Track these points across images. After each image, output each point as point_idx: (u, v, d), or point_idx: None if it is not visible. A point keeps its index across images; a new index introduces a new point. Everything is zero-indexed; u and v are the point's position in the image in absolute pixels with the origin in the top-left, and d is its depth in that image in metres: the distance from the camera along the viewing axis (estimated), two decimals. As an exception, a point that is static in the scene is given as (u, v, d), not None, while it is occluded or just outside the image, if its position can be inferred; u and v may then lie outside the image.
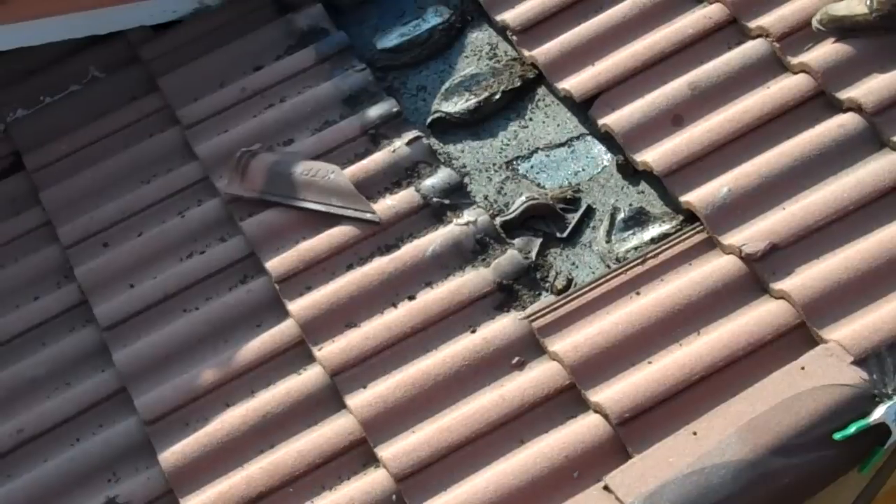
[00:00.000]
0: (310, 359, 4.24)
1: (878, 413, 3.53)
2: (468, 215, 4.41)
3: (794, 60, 4.37)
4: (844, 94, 4.22)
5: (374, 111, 4.80)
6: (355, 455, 4.00)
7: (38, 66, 5.36)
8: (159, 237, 4.69)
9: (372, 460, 3.98)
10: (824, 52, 4.33)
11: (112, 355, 4.41)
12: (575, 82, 4.62)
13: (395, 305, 4.27)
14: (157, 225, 4.74)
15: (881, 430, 3.54)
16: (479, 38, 5.02)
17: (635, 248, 4.20)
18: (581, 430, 3.81)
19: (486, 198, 4.52)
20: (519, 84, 4.79)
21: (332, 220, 4.51)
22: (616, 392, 3.80)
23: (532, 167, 4.58)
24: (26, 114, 5.25)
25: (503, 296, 4.20)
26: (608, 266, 4.21)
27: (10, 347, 4.58)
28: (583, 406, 3.89)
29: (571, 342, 3.96)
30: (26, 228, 4.92)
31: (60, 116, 5.20)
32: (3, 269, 4.81)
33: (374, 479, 3.92)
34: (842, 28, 4.31)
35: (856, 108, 4.19)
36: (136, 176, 4.93)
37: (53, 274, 4.76)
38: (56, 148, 5.10)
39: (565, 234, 4.35)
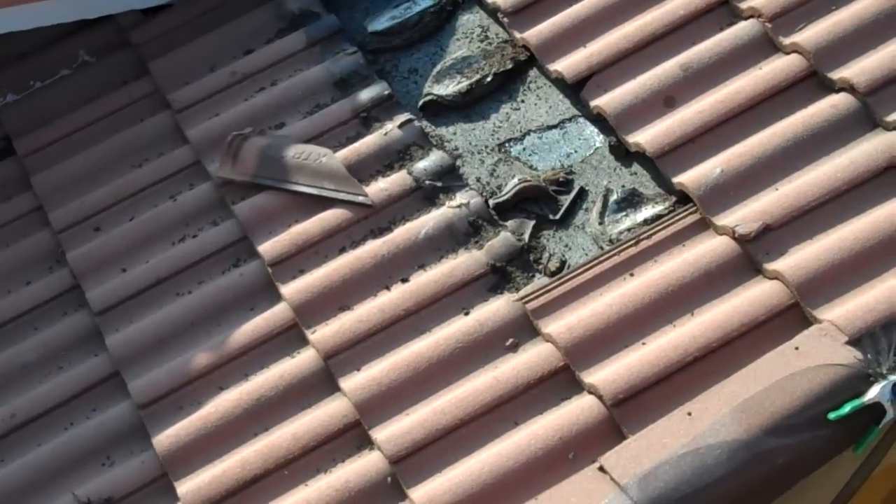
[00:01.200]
0: (303, 342, 4.24)
1: (872, 392, 3.54)
2: (461, 198, 4.41)
3: (786, 41, 4.37)
4: (837, 74, 4.22)
5: (366, 94, 4.79)
6: (350, 437, 4.01)
7: (28, 50, 5.35)
8: (151, 221, 4.68)
9: (366, 442, 3.98)
10: (816, 32, 4.33)
11: (105, 339, 4.40)
12: (566, 64, 4.61)
13: (388, 288, 4.27)
14: (149, 209, 4.73)
15: (876, 409, 3.54)
16: (470, 20, 5.01)
17: (628, 230, 4.20)
18: (575, 411, 3.81)
19: (478, 180, 4.52)
20: (510, 66, 4.78)
21: (324, 203, 4.50)
22: (610, 373, 3.81)
23: (524, 149, 4.58)
24: (16, 98, 5.24)
25: (496, 278, 4.20)
26: (601, 247, 4.21)
27: (3, 332, 4.58)
28: (577, 387, 3.89)
29: (565, 324, 3.96)
30: (18, 213, 4.92)
31: (51, 101, 5.19)
32: (-6, 255, 4.81)
33: (368, 462, 3.92)
34: None
35: (848, 88, 4.19)
36: (127, 160, 4.92)
37: (45, 259, 4.75)
38: (47, 132, 5.09)
39: (558, 216, 4.35)
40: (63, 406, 4.33)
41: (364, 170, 4.56)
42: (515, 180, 4.45)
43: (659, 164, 4.26)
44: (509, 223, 4.35)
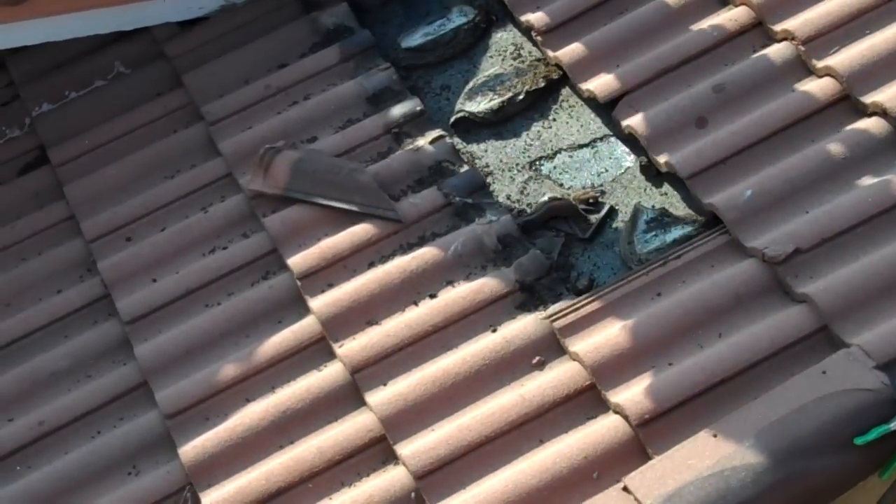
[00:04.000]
0: (330, 356, 4.25)
1: (899, 418, 3.53)
2: (491, 215, 4.41)
3: (820, 64, 4.36)
4: (869, 99, 4.21)
5: (398, 110, 4.81)
6: (375, 452, 4.01)
7: (63, 61, 5.39)
8: (182, 232, 4.70)
9: (391, 458, 3.98)
10: (850, 55, 4.32)
11: (134, 349, 4.42)
12: (599, 83, 4.62)
13: (416, 304, 4.27)
14: (180, 220, 4.76)
15: (902, 435, 3.53)
16: (503, 38, 5.02)
17: (657, 250, 4.19)
18: (601, 430, 3.81)
19: (508, 197, 4.53)
20: (543, 84, 4.79)
21: (354, 217, 4.52)
22: (636, 393, 3.80)
23: (555, 167, 4.58)
24: (51, 108, 5.28)
25: (524, 295, 4.20)
26: (630, 267, 4.20)
27: (33, 340, 4.60)
28: (603, 407, 3.89)
29: (592, 343, 3.96)
30: (50, 222, 4.95)
31: (85, 111, 5.23)
32: (26, 263, 4.83)
33: (393, 477, 3.92)
34: None
35: (881, 112, 4.17)
36: (159, 171, 4.95)
37: (76, 268, 4.78)
38: (81, 143, 5.12)
39: (587, 235, 4.35)
40: (91, 414, 4.35)
41: (395, 185, 4.58)
42: (545, 198, 4.45)
43: (690, 185, 4.25)
44: (538, 241, 4.35)
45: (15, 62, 5.42)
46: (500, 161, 4.65)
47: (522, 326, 4.10)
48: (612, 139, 4.60)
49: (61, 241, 4.88)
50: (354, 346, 4.19)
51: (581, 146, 4.62)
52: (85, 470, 4.21)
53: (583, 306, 4.07)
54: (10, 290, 4.77)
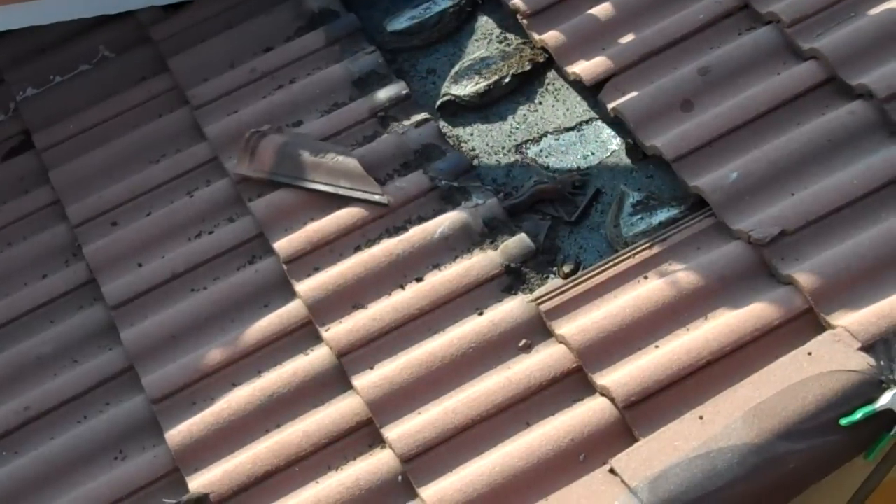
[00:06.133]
0: (317, 339, 4.25)
1: (884, 399, 3.53)
2: (477, 198, 4.41)
3: (806, 46, 4.36)
4: (855, 81, 4.21)
5: (384, 93, 4.80)
6: (361, 436, 4.01)
7: (48, 45, 5.37)
8: (168, 217, 4.69)
9: (378, 441, 3.99)
10: (836, 38, 4.32)
11: (120, 334, 4.42)
12: (585, 66, 4.61)
13: (402, 287, 4.27)
14: (165, 205, 4.74)
15: (888, 416, 3.53)
16: (489, 21, 5.01)
17: (643, 233, 4.19)
18: (587, 413, 3.81)
19: (494, 181, 4.53)
20: (529, 68, 4.78)
21: (340, 201, 4.51)
22: (623, 376, 3.81)
23: (541, 151, 4.58)
24: (36, 93, 5.26)
25: (511, 278, 4.20)
26: (616, 250, 4.20)
27: (18, 325, 4.59)
28: (589, 389, 3.89)
29: (578, 325, 3.96)
30: (35, 207, 4.93)
31: (70, 96, 5.21)
32: (11, 247, 4.82)
33: (380, 460, 3.93)
34: None
35: (867, 94, 4.18)
36: (145, 156, 4.93)
37: (62, 252, 4.77)
38: (65, 127, 5.10)
39: (573, 218, 4.35)
40: (77, 399, 4.34)
41: (381, 169, 4.57)
42: (531, 181, 4.45)
43: (675, 168, 4.25)
44: (525, 224, 4.35)
45: (-1, 47, 5.41)
46: (487, 144, 4.65)
47: (509, 309, 4.11)
48: (598, 122, 4.60)
49: (46, 225, 4.86)
50: (341, 330, 4.19)
51: (567, 129, 4.62)
52: (71, 455, 4.20)
53: (569, 289, 4.07)
54: (-5, 275, 4.76)
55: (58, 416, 4.33)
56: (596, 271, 4.09)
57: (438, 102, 4.81)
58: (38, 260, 4.76)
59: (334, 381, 4.14)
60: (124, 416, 4.25)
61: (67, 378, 4.39)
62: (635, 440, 3.71)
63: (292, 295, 4.36)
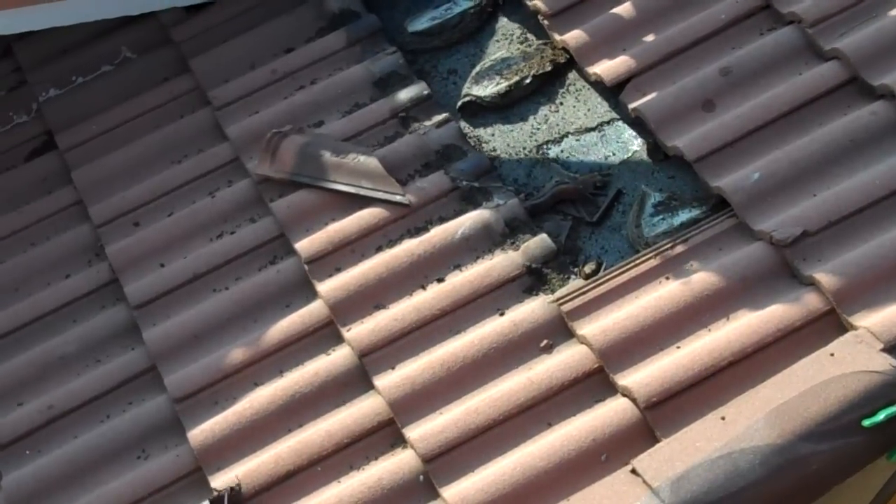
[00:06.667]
0: (338, 339, 4.26)
1: (907, 400, 3.53)
2: (498, 199, 4.41)
3: (827, 46, 4.36)
4: (877, 81, 4.20)
5: (405, 94, 4.81)
6: (383, 435, 4.02)
7: (70, 46, 5.39)
8: (190, 217, 4.71)
9: (400, 441, 3.99)
10: (858, 38, 4.31)
11: (142, 334, 4.43)
12: (606, 67, 4.61)
13: (423, 287, 4.28)
14: (187, 205, 4.76)
15: (911, 417, 3.53)
16: (509, 21, 5.01)
17: (665, 233, 4.19)
18: (609, 413, 3.81)
19: (515, 181, 4.53)
20: (549, 68, 4.78)
21: (361, 202, 4.52)
22: (644, 376, 3.81)
23: (562, 151, 4.58)
24: (59, 93, 5.28)
25: (532, 279, 4.20)
26: (637, 250, 4.20)
27: (42, 325, 4.61)
28: (611, 390, 3.89)
29: (600, 326, 3.96)
30: (58, 207, 4.95)
31: (92, 96, 5.23)
32: (34, 248, 4.84)
33: (401, 460, 3.93)
34: None
35: (889, 95, 4.17)
36: (167, 156, 4.95)
37: (84, 252, 4.78)
38: (88, 128, 5.12)
39: (595, 219, 4.35)
40: (100, 399, 4.36)
41: (402, 169, 4.58)
42: (553, 182, 4.45)
43: (697, 169, 4.25)
44: (546, 225, 4.35)
45: (22, 47, 5.42)
46: (507, 145, 4.65)
47: (530, 310, 4.11)
48: (620, 123, 4.60)
49: (69, 226, 4.88)
50: (362, 330, 4.20)
51: (588, 130, 4.62)
52: (94, 454, 4.22)
53: (591, 290, 4.07)
54: (18, 275, 4.77)
55: (81, 415, 4.35)
56: (617, 272, 4.09)
57: (459, 103, 4.81)
58: (61, 260, 4.78)
59: (356, 381, 4.15)
60: (147, 416, 4.27)
61: (90, 377, 4.40)
62: (657, 441, 3.71)
63: (314, 295, 4.37)
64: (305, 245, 4.46)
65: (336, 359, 4.20)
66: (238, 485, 3.98)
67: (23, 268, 4.79)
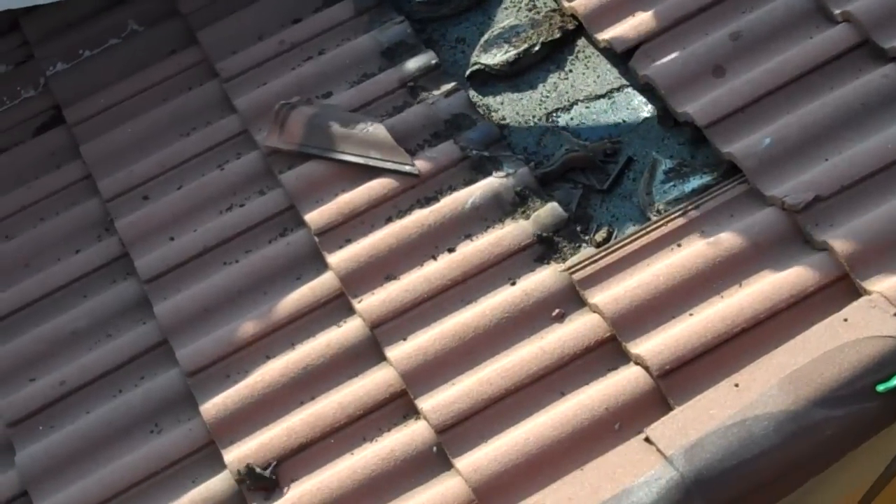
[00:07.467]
0: (350, 311, 4.25)
1: (921, 365, 3.52)
2: (507, 167, 4.39)
3: (838, 10, 4.32)
4: (889, 44, 4.17)
5: (413, 63, 4.79)
6: (396, 407, 4.02)
7: (76, 19, 5.36)
8: (199, 190, 4.70)
9: (412, 412, 3.99)
10: (868, 1, 4.28)
11: (153, 307, 4.43)
12: (615, 33, 4.58)
13: (434, 258, 4.27)
14: (196, 178, 4.74)
15: (925, 382, 3.52)
16: (518, -11, 4.99)
17: (676, 200, 4.17)
18: (622, 382, 3.80)
19: (525, 150, 4.51)
20: (558, 35, 4.76)
21: (371, 172, 4.50)
22: (657, 344, 3.79)
23: (572, 119, 4.56)
24: (66, 68, 5.26)
25: (543, 248, 4.19)
26: (649, 218, 4.18)
27: (52, 300, 4.61)
28: (623, 358, 3.88)
29: (612, 294, 3.95)
30: (67, 182, 4.94)
31: (100, 70, 5.20)
32: (44, 223, 4.83)
33: (414, 431, 3.93)
34: None
35: (901, 57, 4.15)
36: (175, 129, 4.93)
37: (94, 227, 4.78)
38: (96, 101, 5.10)
39: (605, 186, 4.33)
40: (112, 373, 4.36)
41: (411, 139, 4.56)
42: (563, 150, 4.43)
43: (708, 134, 4.23)
44: (556, 193, 4.34)
45: (28, 21, 5.40)
46: (517, 113, 4.63)
47: (541, 279, 4.10)
48: (629, 89, 4.57)
49: (78, 200, 4.87)
50: (373, 302, 4.19)
51: (598, 97, 4.60)
52: (107, 429, 4.23)
53: (602, 258, 4.06)
54: (28, 251, 4.77)
55: (93, 390, 4.35)
56: (629, 240, 4.07)
57: (468, 72, 4.79)
58: (70, 235, 4.77)
59: (368, 352, 4.14)
60: (159, 390, 4.27)
61: (102, 352, 4.40)
62: (670, 409, 3.70)
63: (324, 267, 4.36)
64: (315, 217, 4.44)
65: (347, 330, 4.20)
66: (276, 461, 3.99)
67: (32, 243, 4.78)
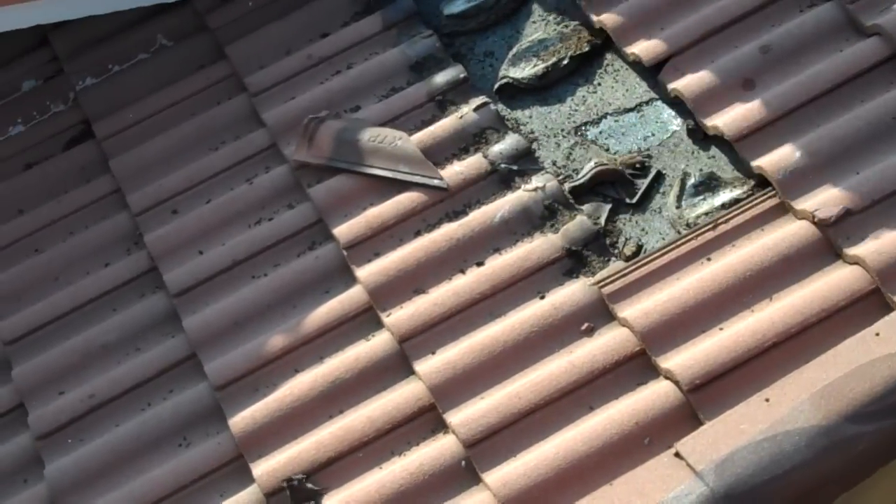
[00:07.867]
0: (378, 325, 4.25)
1: (954, 380, 3.49)
2: (536, 181, 4.39)
3: (868, 22, 4.30)
4: (920, 57, 4.16)
5: (441, 77, 4.79)
6: (424, 421, 4.01)
7: (106, 34, 5.39)
8: (228, 204, 4.71)
9: (441, 426, 3.98)
10: (899, 13, 4.27)
11: (182, 321, 4.44)
12: (644, 46, 4.57)
13: (463, 272, 4.26)
14: (225, 192, 4.76)
15: (958, 397, 3.49)
16: (546, 2, 4.97)
17: (706, 214, 4.16)
18: (651, 396, 3.79)
19: (554, 163, 4.50)
20: (587, 49, 4.75)
21: (399, 186, 4.51)
22: (687, 358, 3.78)
23: (601, 132, 4.55)
24: (95, 82, 5.28)
25: (572, 262, 4.18)
26: (678, 232, 4.17)
27: (82, 313, 4.62)
28: (653, 372, 3.87)
29: (641, 308, 3.93)
30: (96, 196, 4.96)
31: (129, 85, 5.23)
32: (73, 236, 4.85)
33: (443, 445, 3.92)
34: None
35: (932, 70, 4.13)
36: (204, 143, 4.95)
37: (123, 241, 4.79)
38: (125, 116, 5.12)
39: (635, 200, 4.32)
40: (141, 387, 4.37)
41: (439, 153, 4.56)
42: (592, 164, 4.42)
43: (737, 148, 4.21)
44: (585, 207, 4.33)
45: (58, 37, 5.43)
46: (545, 127, 4.62)
47: (570, 293, 4.08)
48: (658, 103, 4.56)
49: (108, 214, 4.89)
50: (402, 316, 4.18)
51: (627, 110, 4.59)
52: (136, 442, 4.23)
53: (631, 272, 4.04)
54: (58, 264, 4.79)
55: (122, 403, 4.36)
56: (658, 253, 4.06)
57: (496, 85, 4.78)
58: (100, 248, 4.79)
59: (396, 366, 4.14)
60: (188, 403, 4.28)
61: (131, 366, 4.41)
62: (700, 423, 3.68)
63: (353, 281, 4.36)
64: (344, 230, 4.44)
65: (376, 344, 4.19)
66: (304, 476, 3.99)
67: (62, 257, 4.80)
